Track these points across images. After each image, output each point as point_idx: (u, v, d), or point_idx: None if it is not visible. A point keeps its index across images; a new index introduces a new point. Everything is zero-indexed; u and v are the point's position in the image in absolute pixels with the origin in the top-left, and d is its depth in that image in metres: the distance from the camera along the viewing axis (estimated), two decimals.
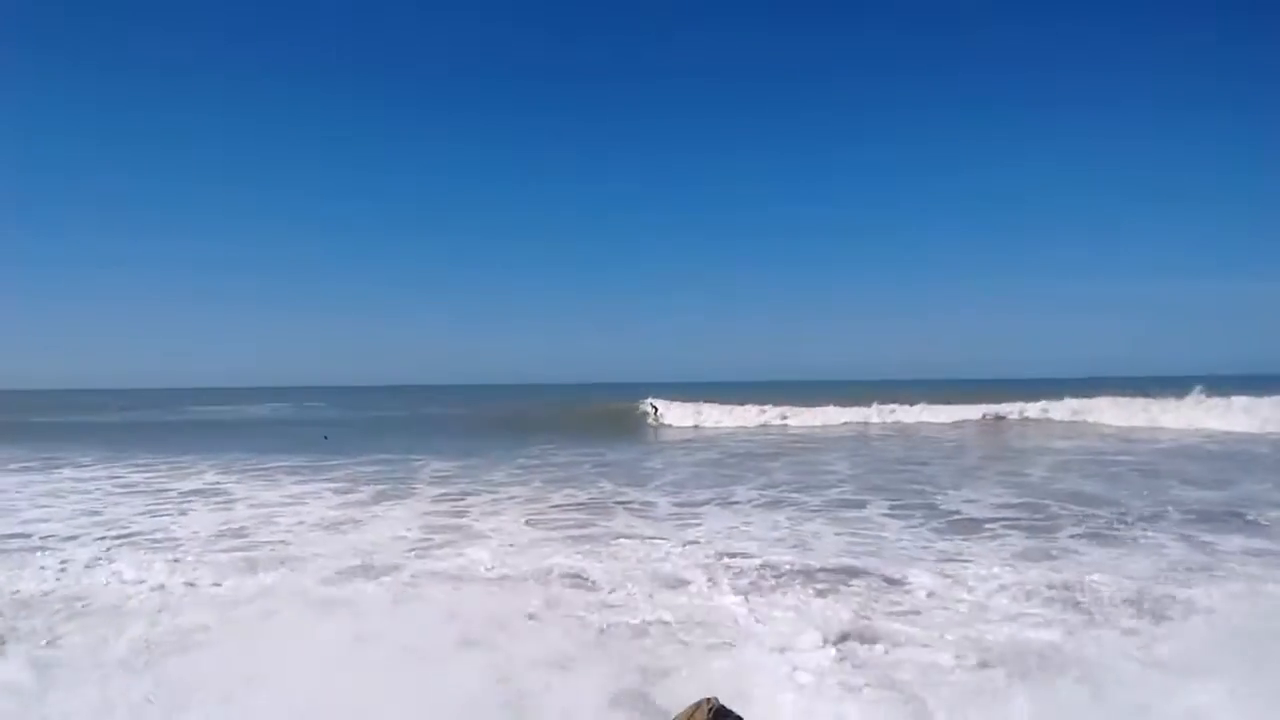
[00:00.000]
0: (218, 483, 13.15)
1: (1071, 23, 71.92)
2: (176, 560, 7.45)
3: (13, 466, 16.50)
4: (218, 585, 6.53)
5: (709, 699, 3.40)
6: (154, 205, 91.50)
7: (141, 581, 6.66)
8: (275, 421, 35.64)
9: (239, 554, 7.72)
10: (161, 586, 6.52)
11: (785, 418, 27.24)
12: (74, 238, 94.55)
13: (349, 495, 11.67)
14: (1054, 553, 7.45)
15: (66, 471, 15.24)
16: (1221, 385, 23.99)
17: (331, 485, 12.67)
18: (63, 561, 7.49)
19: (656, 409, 29.50)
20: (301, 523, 9.43)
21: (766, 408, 27.88)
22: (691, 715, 3.34)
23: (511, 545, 8.04)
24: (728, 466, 15.48)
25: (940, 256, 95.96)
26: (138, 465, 16.05)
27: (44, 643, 5.18)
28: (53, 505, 11.03)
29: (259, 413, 43.68)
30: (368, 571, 6.96)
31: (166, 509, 10.54)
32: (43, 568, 7.25)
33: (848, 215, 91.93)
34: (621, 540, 8.22)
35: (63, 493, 12.30)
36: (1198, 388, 22.64)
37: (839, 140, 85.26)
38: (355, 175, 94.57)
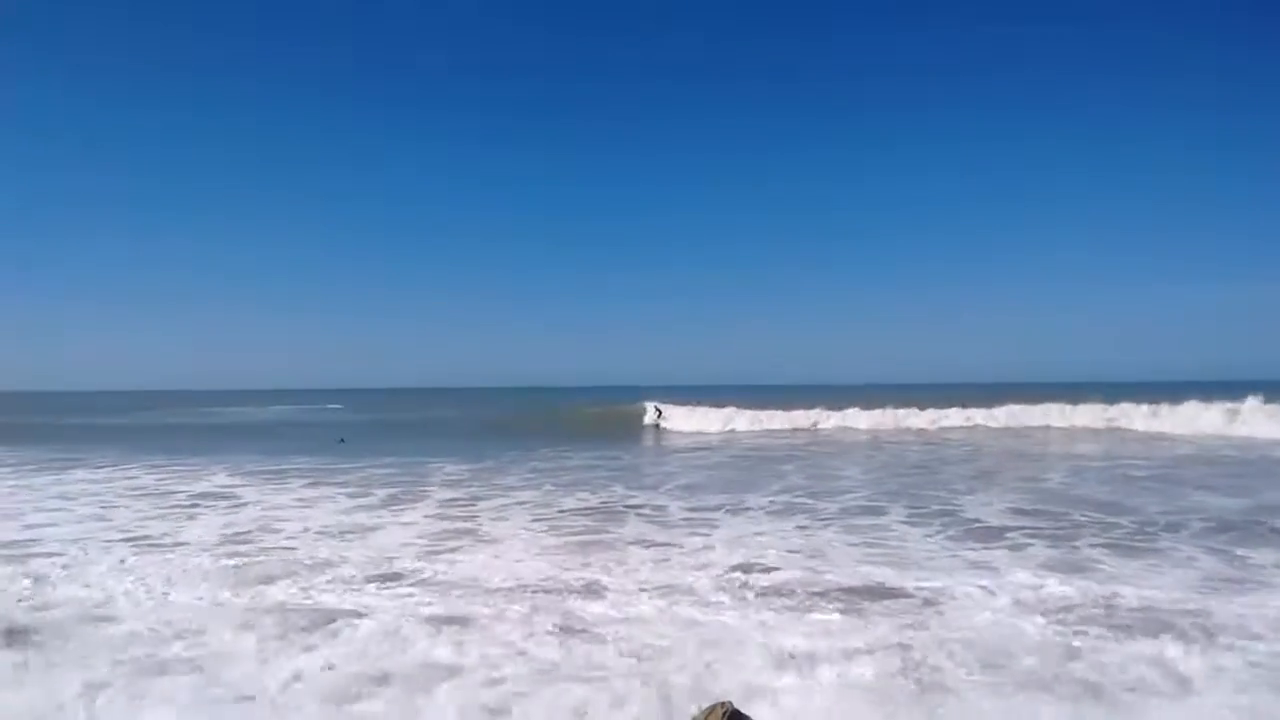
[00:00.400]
0: (228, 486, 12.98)
1: (1076, 25, 70.95)
2: (172, 568, 7.24)
3: (29, 468, 16.43)
4: (212, 596, 6.27)
5: (723, 703, 3.37)
6: (166, 206, 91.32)
7: (128, 592, 6.38)
8: (290, 424, 35.58)
9: (240, 560, 7.50)
10: (150, 597, 6.27)
11: (796, 423, 26.93)
12: (89, 240, 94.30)
13: (360, 499, 11.45)
14: (1083, 564, 7.16)
15: (80, 473, 15.12)
16: (1238, 390, 23.55)
17: (344, 489, 12.47)
18: (62, 567, 7.29)
19: (660, 412, 29.19)
20: (308, 529, 9.22)
21: (776, 412, 27.59)
22: (707, 718, 3.31)
23: (524, 554, 7.80)
24: (738, 470, 15.20)
25: (946, 259, 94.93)
26: (151, 467, 15.93)
27: (14, 658, 4.92)
28: (61, 508, 10.85)
29: (275, 415, 43.69)
30: (373, 581, 6.73)
31: (174, 513, 10.33)
32: (34, 574, 7.02)
33: (850, 218, 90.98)
34: (634, 549, 7.98)
35: (73, 495, 12.14)
36: (1252, 398, 21.73)
37: (846, 143, 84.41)
38: (362, 177, 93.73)
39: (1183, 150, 72.73)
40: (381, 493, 12.05)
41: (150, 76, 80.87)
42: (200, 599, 6.17)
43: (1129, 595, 5.99)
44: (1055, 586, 6.26)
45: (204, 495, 11.92)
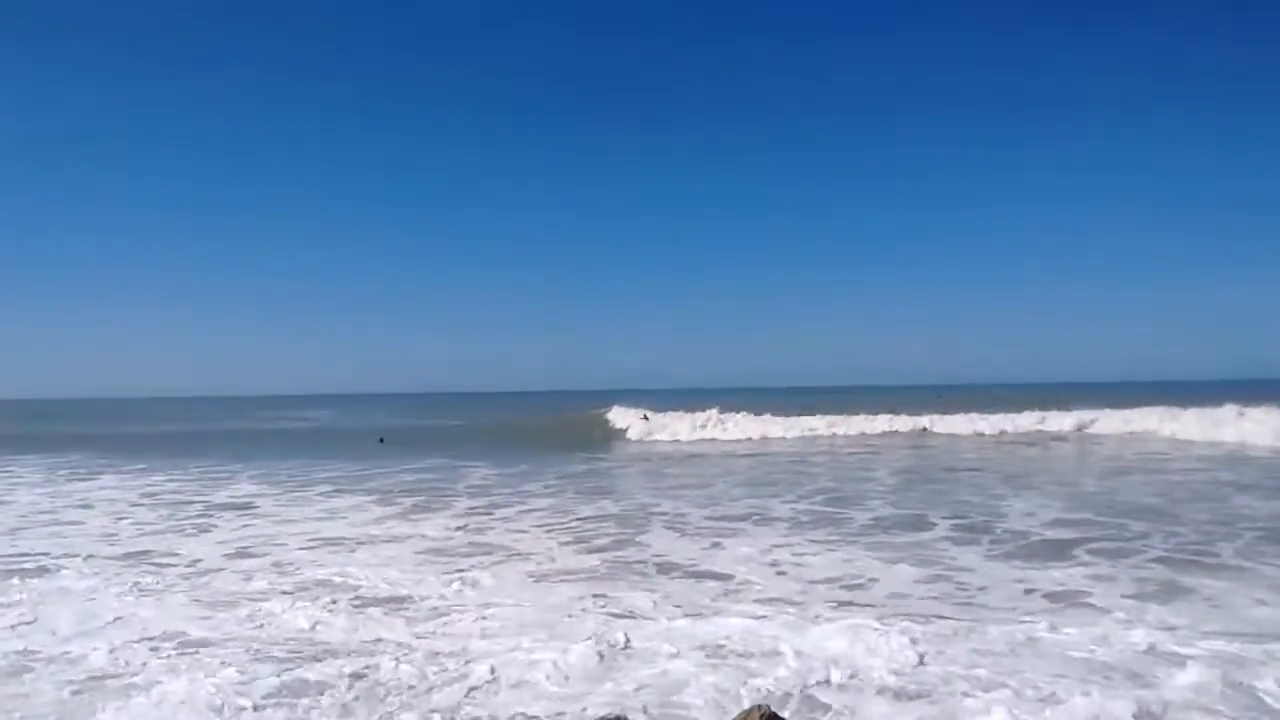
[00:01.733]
0: (250, 494, 11.87)
1: (1080, 25, 68.35)
2: (155, 588, 6.20)
3: (62, 473, 15.51)
4: (184, 629, 5.14)
5: (760, 705, 3.05)
6: (196, 211, 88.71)
7: (99, 617, 5.36)
8: (330, 430, 34.52)
9: (236, 580, 6.39)
10: (106, 624, 5.22)
11: (805, 429, 25.15)
12: (134, 245, 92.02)
13: (386, 508, 10.30)
14: (1176, 587, 5.83)
15: (107, 478, 14.13)
16: (1246, 390, 21.91)
17: (369, 497, 11.32)
18: (41, 589, 6.23)
19: (648, 419, 27.27)
20: (318, 538, 8.10)
21: (783, 418, 25.64)
22: None
23: (548, 571, 6.63)
24: (758, 476, 13.91)
25: (948, 258, 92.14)
26: (179, 475, 14.84)
27: None
28: (74, 519, 9.81)
29: (318, 419, 42.69)
30: (379, 606, 5.56)
31: (185, 525, 9.22)
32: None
33: (851, 218, 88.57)
34: (663, 574, 6.77)
35: (91, 503, 11.12)
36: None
37: (846, 142, 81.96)
38: (379, 180, 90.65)
39: (1185, 149, 69.71)
40: (407, 500, 10.92)
41: (152, 75, 77.05)
42: (156, 634, 5.02)
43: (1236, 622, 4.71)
44: (1187, 619, 5.01)
45: (222, 506, 10.79)
